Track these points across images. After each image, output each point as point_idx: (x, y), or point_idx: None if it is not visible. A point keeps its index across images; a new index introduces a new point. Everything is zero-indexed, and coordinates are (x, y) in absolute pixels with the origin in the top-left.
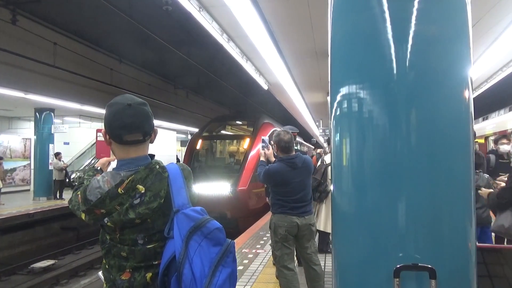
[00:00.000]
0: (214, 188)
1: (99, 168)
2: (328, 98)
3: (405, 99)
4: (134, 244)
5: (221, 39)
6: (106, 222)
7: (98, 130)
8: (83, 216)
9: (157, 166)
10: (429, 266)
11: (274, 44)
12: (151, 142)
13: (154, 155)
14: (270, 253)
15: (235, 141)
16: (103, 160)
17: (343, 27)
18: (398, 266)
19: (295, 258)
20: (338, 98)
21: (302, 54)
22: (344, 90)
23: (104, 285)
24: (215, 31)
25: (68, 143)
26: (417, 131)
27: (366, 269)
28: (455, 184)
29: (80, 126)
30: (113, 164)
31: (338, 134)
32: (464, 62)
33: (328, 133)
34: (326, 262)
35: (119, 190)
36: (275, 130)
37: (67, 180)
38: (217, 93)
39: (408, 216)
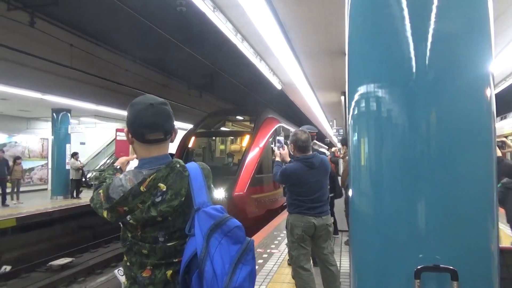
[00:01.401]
0: None
1: (118, 167)
2: (342, 98)
3: (425, 98)
4: (155, 241)
5: (235, 39)
6: (128, 219)
7: (117, 130)
8: (105, 214)
9: (178, 165)
10: (451, 267)
11: (288, 44)
12: (172, 141)
13: (174, 154)
14: (285, 253)
15: (233, 139)
16: (122, 159)
17: (361, 25)
18: (419, 267)
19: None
20: (356, 97)
21: (316, 54)
22: (362, 89)
23: (125, 282)
24: (229, 31)
25: (84, 143)
26: (437, 130)
27: (385, 270)
28: (476, 184)
29: (96, 126)
30: (132, 163)
31: (356, 134)
32: (485, 59)
33: (342, 133)
34: (342, 263)
35: (141, 188)
36: (280, 126)
37: (83, 179)
38: (230, 93)
39: (429, 217)
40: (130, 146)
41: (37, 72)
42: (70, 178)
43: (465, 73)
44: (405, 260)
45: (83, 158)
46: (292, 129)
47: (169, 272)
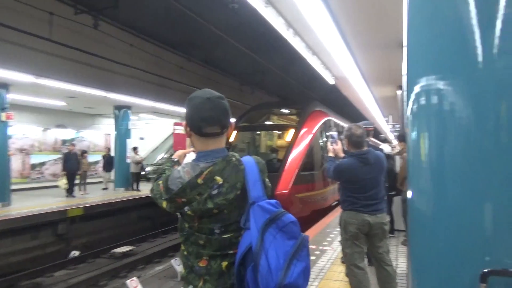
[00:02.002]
0: None
1: (176, 159)
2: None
3: (493, 90)
4: (211, 233)
5: (287, 34)
6: (186, 210)
7: (175, 124)
8: (164, 204)
9: (234, 159)
10: None
11: (341, 37)
12: (228, 136)
13: (229, 148)
14: (338, 250)
15: (276, 133)
16: (180, 152)
17: (421, 13)
18: (485, 270)
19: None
20: (416, 90)
21: (371, 46)
22: (422, 82)
23: (183, 271)
24: (281, 26)
25: (143, 138)
26: (507, 124)
27: (447, 273)
28: None
29: (154, 122)
30: (189, 156)
31: (416, 129)
32: None
33: (398, 129)
34: (398, 263)
35: (199, 180)
36: (329, 120)
37: (142, 172)
38: (282, 89)
39: (496, 217)
40: (187, 139)
41: (100, 71)
42: (130, 171)
43: None
44: (470, 263)
45: (142, 153)
46: (342, 123)
47: (224, 264)
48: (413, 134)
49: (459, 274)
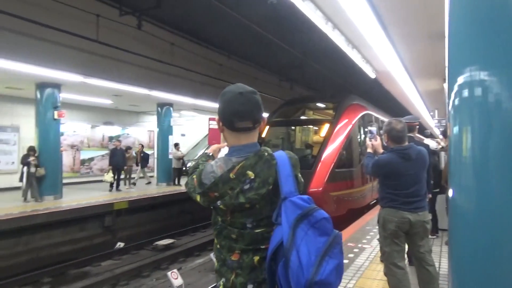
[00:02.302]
0: None
1: (210, 154)
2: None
3: None
4: (243, 227)
5: (326, 28)
6: (219, 205)
7: (210, 119)
8: (198, 198)
9: (266, 153)
10: None
11: (383, 29)
12: (260, 130)
13: (261, 143)
14: (377, 249)
15: (311, 128)
16: (214, 146)
17: (462, 2)
18: None
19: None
20: (458, 84)
21: (414, 38)
22: (464, 75)
23: (216, 263)
24: (319, 20)
25: (184, 135)
26: None
27: (489, 274)
28: None
29: (194, 119)
30: (223, 150)
31: (458, 123)
32: None
33: (444, 124)
34: (441, 264)
35: (231, 175)
36: (368, 114)
37: (184, 168)
38: (321, 84)
39: None
40: (221, 134)
41: (144, 70)
42: (172, 167)
43: None
44: None
45: (183, 149)
46: (382, 118)
47: (256, 258)
48: (455, 129)
49: (503, 275)
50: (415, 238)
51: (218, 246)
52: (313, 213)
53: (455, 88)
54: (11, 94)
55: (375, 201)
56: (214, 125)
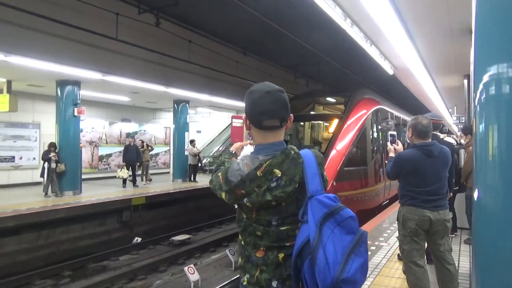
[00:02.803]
0: None
1: (233, 151)
2: (465, 82)
3: None
4: (269, 225)
5: (344, 24)
6: (245, 202)
7: (233, 117)
8: (223, 195)
9: (292, 152)
10: None
11: (402, 25)
12: (287, 128)
13: (288, 141)
14: (395, 246)
15: (319, 124)
16: (237, 144)
17: None
18: None
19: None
20: (484, 80)
21: (434, 34)
22: (492, 70)
23: (240, 260)
24: (338, 16)
25: (200, 132)
26: None
27: None
28: None
29: (210, 116)
30: (246, 148)
31: (484, 121)
32: None
33: (463, 121)
34: (460, 263)
35: (258, 173)
36: (381, 108)
37: (199, 164)
38: (338, 80)
39: None
40: (244, 131)
41: (161, 67)
42: (188, 163)
43: None
44: None
45: (199, 145)
46: (397, 113)
47: (281, 255)
48: (481, 126)
49: None
50: (435, 236)
51: (242, 242)
52: (339, 212)
53: (481, 85)
54: (32, 91)
55: (387, 201)
56: (237, 123)
